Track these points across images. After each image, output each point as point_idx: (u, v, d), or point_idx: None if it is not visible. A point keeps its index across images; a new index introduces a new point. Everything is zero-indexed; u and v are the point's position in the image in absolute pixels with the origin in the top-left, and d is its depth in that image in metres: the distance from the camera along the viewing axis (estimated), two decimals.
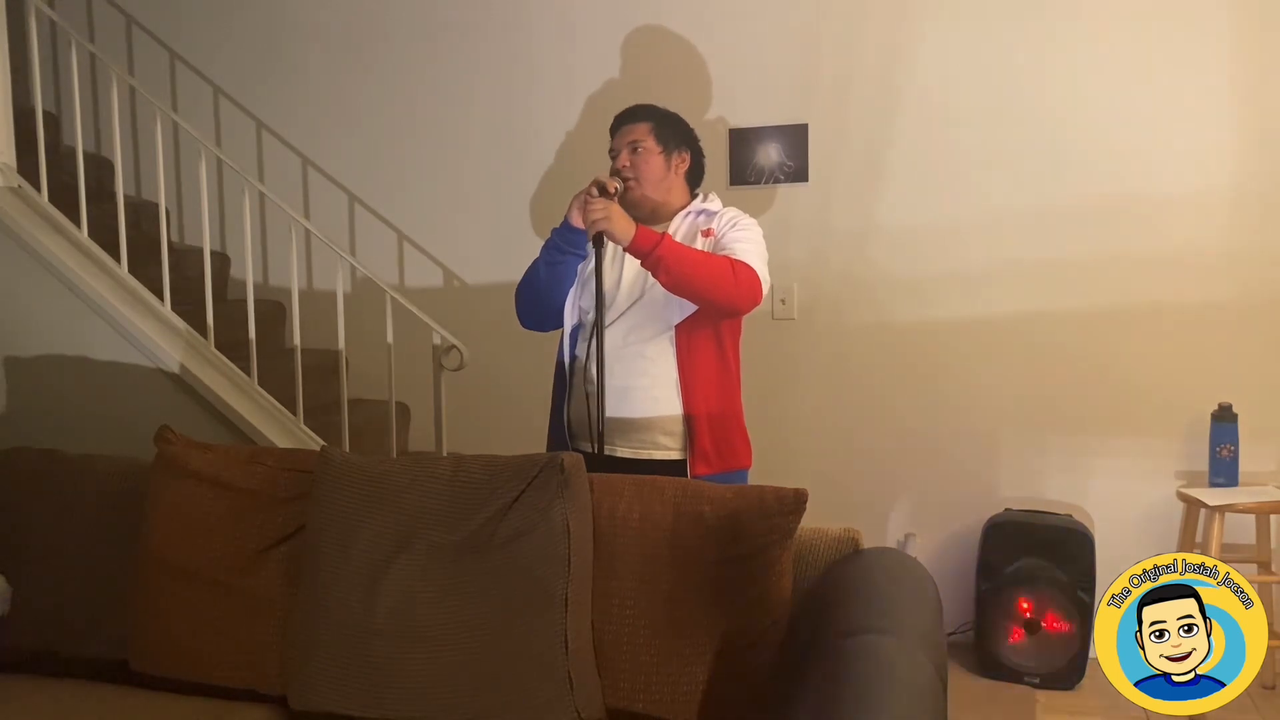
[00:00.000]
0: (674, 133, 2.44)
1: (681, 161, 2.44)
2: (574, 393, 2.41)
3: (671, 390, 2.32)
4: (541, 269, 2.34)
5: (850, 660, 1.49)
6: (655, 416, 2.33)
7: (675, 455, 2.34)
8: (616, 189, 2.29)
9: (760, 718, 1.76)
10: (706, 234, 2.36)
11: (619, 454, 2.34)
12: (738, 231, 2.35)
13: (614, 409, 2.31)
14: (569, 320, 2.43)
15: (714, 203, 2.45)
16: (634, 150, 2.39)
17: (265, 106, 4.01)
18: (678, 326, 2.31)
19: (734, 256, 2.26)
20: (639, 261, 2.25)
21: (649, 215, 2.35)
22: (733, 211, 2.41)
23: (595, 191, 2.25)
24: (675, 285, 2.22)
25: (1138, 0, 3.15)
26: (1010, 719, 2.93)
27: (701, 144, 2.51)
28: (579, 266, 2.38)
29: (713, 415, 2.34)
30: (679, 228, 2.39)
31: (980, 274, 3.33)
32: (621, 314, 2.34)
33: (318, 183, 3.97)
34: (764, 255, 2.34)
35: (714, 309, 2.29)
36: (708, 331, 2.33)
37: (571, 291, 2.41)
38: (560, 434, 2.44)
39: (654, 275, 2.23)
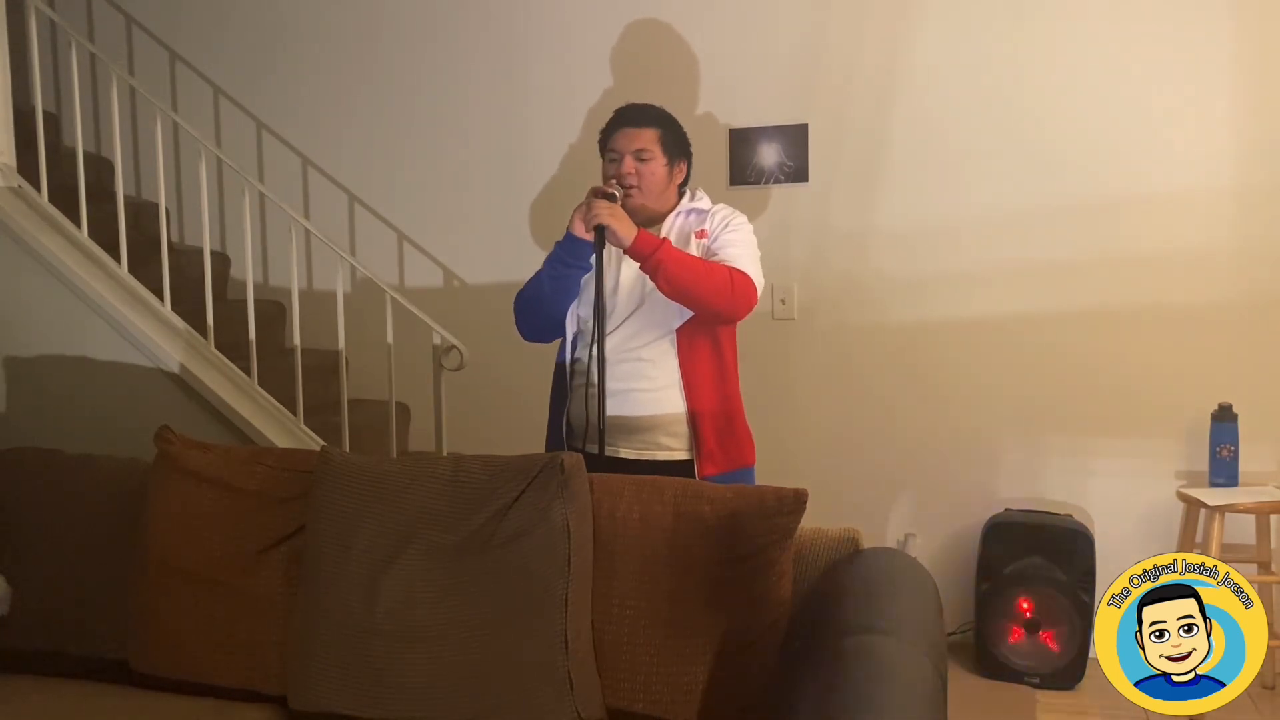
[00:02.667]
0: (676, 141, 2.42)
1: (679, 171, 2.43)
2: (574, 395, 2.41)
3: (675, 392, 2.33)
4: (546, 283, 2.33)
5: (850, 660, 1.49)
6: (659, 418, 2.33)
7: (680, 455, 2.35)
8: (616, 195, 2.29)
9: (760, 718, 1.76)
10: (700, 235, 2.37)
11: (623, 455, 2.34)
12: (731, 234, 2.35)
13: (617, 411, 2.32)
14: (569, 329, 2.43)
15: (703, 200, 2.44)
16: (639, 158, 2.35)
17: (265, 106, 4.01)
18: (678, 330, 2.33)
19: (729, 261, 2.28)
20: (637, 266, 2.25)
21: (643, 222, 2.34)
22: (724, 210, 2.41)
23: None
24: (673, 292, 2.23)
25: (1137, 1, 3.15)
26: (1010, 719, 2.93)
27: (693, 145, 2.48)
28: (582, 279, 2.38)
29: (715, 415, 2.35)
30: (671, 229, 2.39)
31: (981, 274, 3.33)
32: (623, 320, 2.33)
33: (318, 183, 3.97)
34: (756, 255, 2.36)
35: (709, 316, 2.31)
36: (706, 333, 2.35)
37: (573, 302, 2.41)
38: (559, 437, 2.44)
39: (653, 280, 2.24)
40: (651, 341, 2.33)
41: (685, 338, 2.33)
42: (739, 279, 2.26)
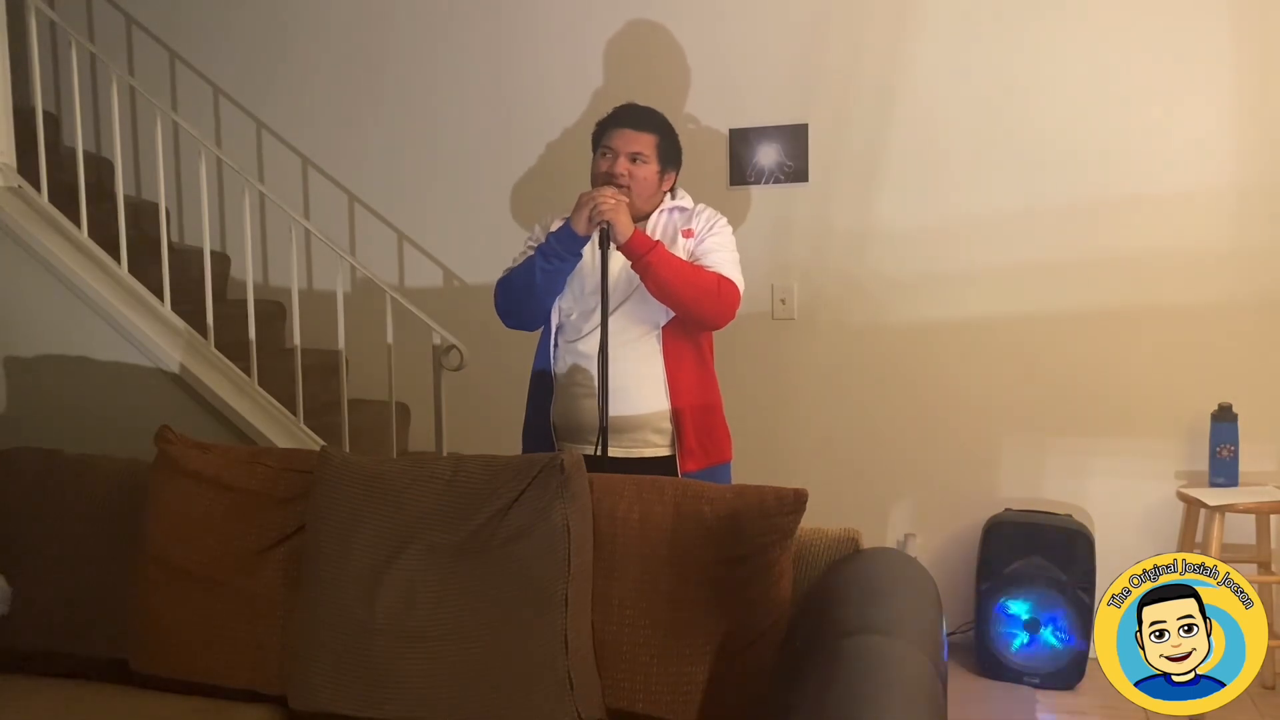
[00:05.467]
0: (671, 150, 2.43)
1: (669, 180, 2.45)
2: (561, 394, 2.41)
3: (660, 389, 2.35)
4: (538, 274, 2.33)
5: (850, 660, 1.49)
6: (646, 416, 2.35)
7: (664, 452, 2.37)
8: (627, 186, 2.32)
9: (760, 718, 1.76)
10: (687, 234, 2.39)
11: (611, 453, 2.33)
12: (717, 237, 2.38)
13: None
14: (553, 321, 2.43)
15: (685, 199, 2.47)
16: (634, 160, 2.36)
17: (265, 106, 4.01)
18: (664, 327, 2.35)
19: (715, 267, 2.32)
20: (628, 264, 2.27)
21: None
22: (708, 211, 2.44)
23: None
24: (660, 294, 2.26)
25: (1137, 1, 3.15)
26: (1010, 719, 2.93)
27: (692, 145, 2.50)
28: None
29: (697, 412, 2.38)
30: (656, 225, 2.40)
31: (981, 274, 3.33)
32: (610, 313, 2.33)
33: (318, 183, 3.97)
34: (738, 259, 2.39)
35: (692, 320, 2.33)
36: (688, 333, 2.38)
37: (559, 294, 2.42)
38: (543, 437, 2.43)
39: (642, 280, 2.26)
40: (639, 338, 2.35)
41: (670, 334, 2.35)
42: (725, 286, 2.29)
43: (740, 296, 2.34)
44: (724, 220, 2.43)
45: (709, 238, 2.37)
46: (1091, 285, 3.24)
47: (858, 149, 3.40)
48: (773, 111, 3.45)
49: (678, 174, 2.48)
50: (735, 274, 2.34)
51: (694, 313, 2.30)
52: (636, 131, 2.38)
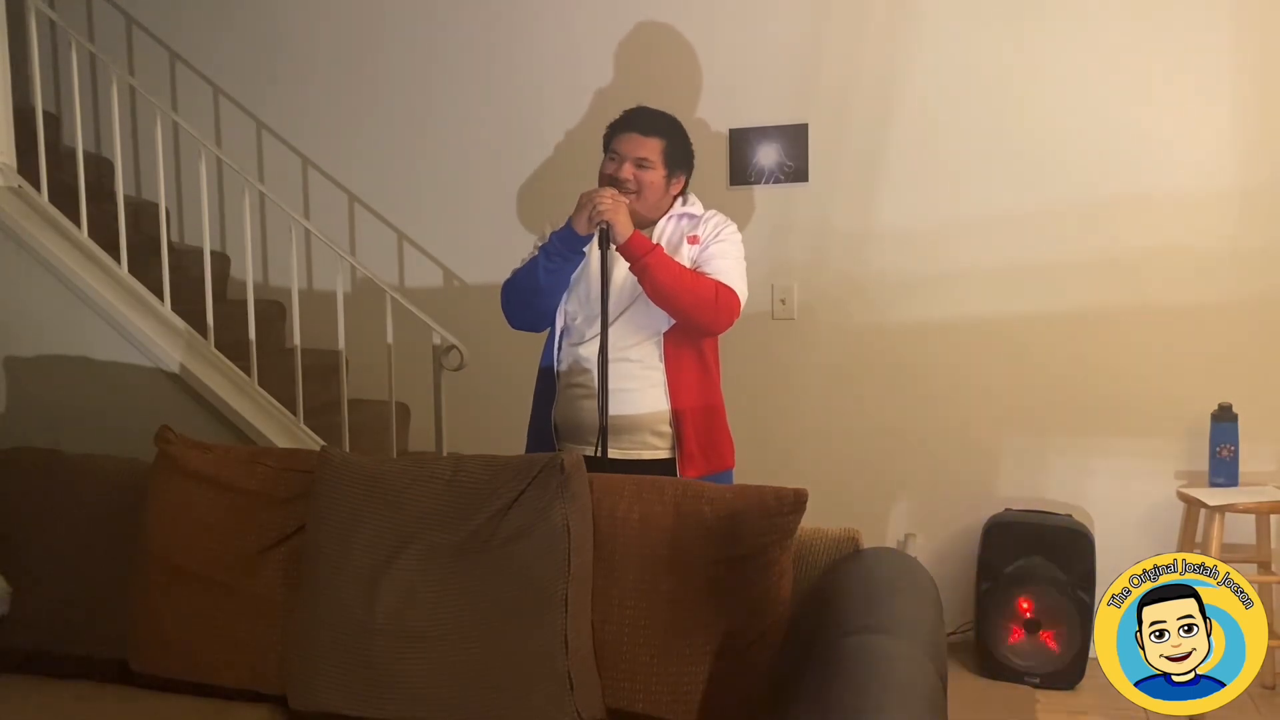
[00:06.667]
0: (680, 154, 2.41)
1: (678, 183, 2.43)
2: (563, 396, 2.41)
3: (660, 394, 2.34)
4: (541, 274, 2.33)
5: (850, 660, 1.49)
6: (645, 417, 2.34)
7: (664, 454, 2.36)
8: (630, 187, 2.32)
9: (760, 718, 1.76)
10: (692, 240, 2.37)
11: (610, 455, 2.34)
12: (721, 244, 2.37)
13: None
14: (557, 323, 2.43)
15: (695, 205, 2.45)
16: (639, 165, 2.34)
17: (265, 106, 4.01)
18: (665, 334, 2.34)
19: (717, 274, 2.31)
20: (627, 267, 2.27)
21: (635, 226, 2.35)
22: (716, 217, 2.42)
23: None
24: (657, 297, 2.26)
25: (1137, 1, 3.15)
26: (1010, 719, 2.93)
27: (693, 145, 2.47)
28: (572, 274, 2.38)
29: (698, 418, 2.37)
30: (663, 230, 2.39)
31: (981, 274, 3.33)
32: (613, 321, 2.34)
33: (318, 183, 3.97)
34: (743, 268, 2.38)
35: (690, 326, 2.33)
36: (691, 338, 2.37)
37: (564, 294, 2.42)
38: (545, 436, 2.43)
39: (639, 282, 2.26)
40: (641, 343, 2.34)
41: (671, 340, 2.34)
42: (724, 293, 2.29)
43: (740, 305, 2.32)
44: (733, 228, 2.41)
45: (714, 244, 2.36)
46: (1092, 285, 3.24)
47: (858, 149, 3.40)
48: (773, 111, 3.45)
49: (689, 178, 2.46)
50: (737, 282, 2.33)
51: (691, 318, 2.30)
52: (643, 136, 2.36)
